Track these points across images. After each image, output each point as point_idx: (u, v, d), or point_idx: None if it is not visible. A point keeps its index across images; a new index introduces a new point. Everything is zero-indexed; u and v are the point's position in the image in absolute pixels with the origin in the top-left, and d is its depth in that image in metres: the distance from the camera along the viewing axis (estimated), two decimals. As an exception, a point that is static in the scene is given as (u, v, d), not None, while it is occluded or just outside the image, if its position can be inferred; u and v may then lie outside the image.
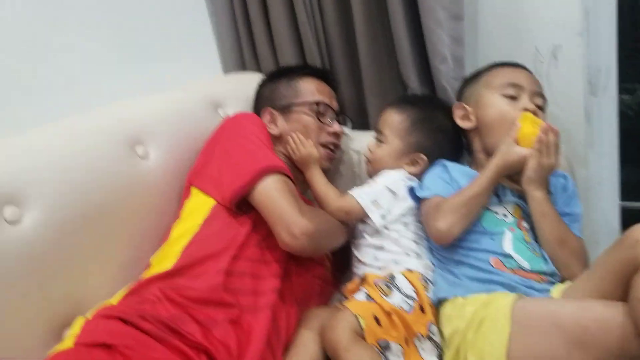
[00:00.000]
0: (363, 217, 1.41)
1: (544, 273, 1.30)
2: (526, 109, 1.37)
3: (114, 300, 1.20)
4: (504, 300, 1.20)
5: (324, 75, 1.68)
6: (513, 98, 1.40)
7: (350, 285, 1.38)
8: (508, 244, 1.32)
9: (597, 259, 1.19)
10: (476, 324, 1.20)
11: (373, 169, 1.53)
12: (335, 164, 1.70)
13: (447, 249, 1.35)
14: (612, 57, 1.68)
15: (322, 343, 1.21)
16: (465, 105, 1.48)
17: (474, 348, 1.18)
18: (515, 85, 1.41)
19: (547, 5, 1.60)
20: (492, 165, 1.33)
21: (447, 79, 1.62)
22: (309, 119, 1.55)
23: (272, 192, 1.28)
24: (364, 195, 1.40)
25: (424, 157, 1.48)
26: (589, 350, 1.06)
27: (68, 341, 1.07)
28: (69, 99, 1.49)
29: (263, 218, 1.29)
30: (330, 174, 1.69)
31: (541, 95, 1.43)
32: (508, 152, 1.33)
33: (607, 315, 1.06)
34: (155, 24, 1.76)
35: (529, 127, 1.32)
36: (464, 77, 1.59)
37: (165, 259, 1.28)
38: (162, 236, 1.37)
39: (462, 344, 1.21)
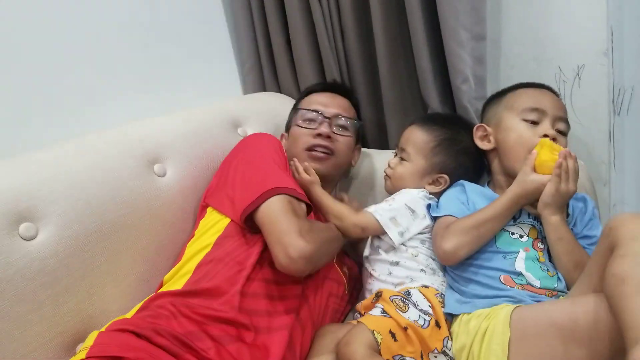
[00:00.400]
0: (380, 234, 1.40)
1: (555, 290, 1.27)
2: (545, 135, 1.35)
3: (129, 315, 1.19)
4: (503, 310, 1.19)
5: (332, 87, 1.68)
6: (534, 123, 1.38)
7: (365, 302, 1.36)
8: (520, 263, 1.30)
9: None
10: (480, 336, 1.19)
11: (393, 186, 1.51)
12: (353, 181, 1.69)
13: (459, 266, 1.33)
14: (636, 77, 1.64)
15: (338, 359, 1.19)
16: (486, 127, 1.47)
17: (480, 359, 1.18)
18: (537, 110, 1.38)
19: (571, 25, 1.59)
20: (510, 193, 1.32)
21: (468, 99, 1.61)
22: (296, 129, 1.57)
23: (273, 212, 1.24)
24: (382, 212, 1.38)
25: (447, 178, 1.46)
26: (582, 343, 1.04)
27: (81, 354, 1.05)
28: (90, 116, 1.52)
29: None
30: (347, 189, 1.69)
31: (564, 120, 1.40)
32: (525, 180, 1.30)
33: (595, 306, 1.04)
34: (177, 45, 1.80)
35: (546, 154, 1.30)
36: (487, 97, 1.58)
37: (177, 277, 1.27)
38: (176, 254, 1.36)
39: (470, 357, 1.20)
